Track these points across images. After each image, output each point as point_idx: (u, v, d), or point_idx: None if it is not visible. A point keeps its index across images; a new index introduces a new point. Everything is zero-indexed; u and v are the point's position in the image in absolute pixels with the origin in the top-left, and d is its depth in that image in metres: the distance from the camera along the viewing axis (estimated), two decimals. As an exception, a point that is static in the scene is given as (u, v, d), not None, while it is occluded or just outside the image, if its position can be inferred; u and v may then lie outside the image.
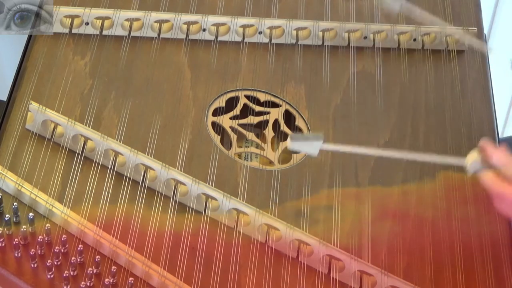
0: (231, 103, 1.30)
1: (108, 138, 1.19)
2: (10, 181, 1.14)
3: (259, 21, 1.37)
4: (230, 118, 1.29)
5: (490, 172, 1.06)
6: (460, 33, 1.37)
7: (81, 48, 1.32)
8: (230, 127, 1.28)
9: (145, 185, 1.17)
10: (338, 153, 1.25)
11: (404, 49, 1.39)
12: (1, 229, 1.09)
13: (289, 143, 1.08)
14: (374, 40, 1.39)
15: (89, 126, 1.21)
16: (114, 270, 1.08)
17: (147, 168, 1.18)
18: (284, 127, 1.30)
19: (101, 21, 1.33)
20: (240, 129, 1.29)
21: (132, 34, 1.34)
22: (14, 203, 1.11)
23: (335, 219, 1.18)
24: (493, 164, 1.06)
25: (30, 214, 1.10)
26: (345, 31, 1.38)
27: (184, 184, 1.17)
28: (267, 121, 1.30)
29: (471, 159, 1.08)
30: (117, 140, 1.21)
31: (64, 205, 1.13)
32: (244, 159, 1.28)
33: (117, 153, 1.19)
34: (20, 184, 1.14)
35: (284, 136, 1.29)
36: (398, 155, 1.19)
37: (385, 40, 1.39)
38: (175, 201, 1.17)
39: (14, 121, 1.22)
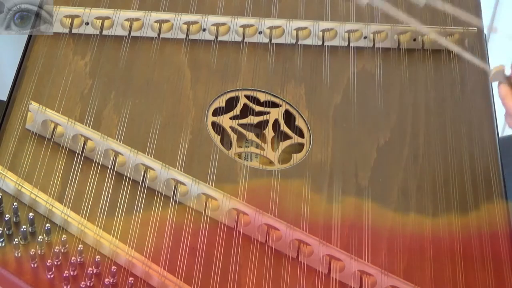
0: (231, 103, 1.30)
1: (108, 138, 1.19)
2: (10, 181, 1.14)
3: (259, 21, 1.37)
4: (230, 118, 1.29)
5: (506, 86, 1.13)
6: (436, 35, 1.37)
7: (81, 48, 1.32)
8: (230, 127, 1.28)
9: (145, 185, 1.17)
10: (338, 153, 1.25)
11: (404, 49, 1.39)
12: (1, 229, 1.09)
13: None
14: (374, 40, 1.39)
15: (89, 126, 1.21)
16: (114, 270, 1.08)
17: (147, 168, 1.18)
18: (284, 127, 1.30)
19: (101, 21, 1.33)
20: (240, 129, 1.29)
21: (132, 34, 1.34)
22: (14, 203, 1.11)
23: (335, 219, 1.18)
24: None
25: (30, 214, 1.10)
26: (345, 31, 1.38)
27: (184, 184, 1.17)
28: (267, 121, 1.30)
29: (497, 69, 1.16)
30: (117, 140, 1.21)
31: (64, 205, 1.13)
32: (244, 159, 1.28)
33: (117, 153, 1.19)
34: (20, 184, 1.14)
35: (284, 136, 1.29)
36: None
37: (385, 40, 1.39)
38: (175, 201, 1.17)
39: (14, 121, 1.22)
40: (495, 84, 1.40)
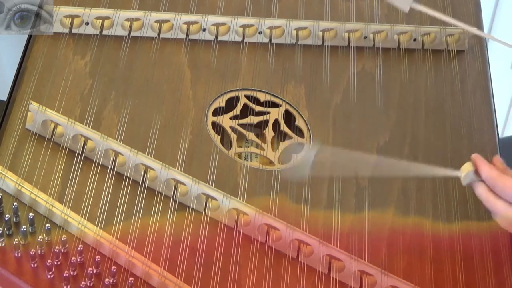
0: (231, 103, 1.30)
1: (108, 138, 1.19)
2: (10, 181, 1.14)
3: (259, 21, 1.37)
4: (230, 118, 1.29)
5: (482, 186, 1.07)
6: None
7: (81, 48, 1.32)
8: (230, 127, 1.28)
9: (145, 185, 1.17)
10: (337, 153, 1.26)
11: (404, 49, 1.39)
12: (1, 229, 1.09)
13: None
14: (374, 40, 1.39)
15: (89, 126, 1.21)
16: (114, 270, 1.08)
17: (147, 168, 1.18)
18: (284, 127, 1.30)
19: (101, 21, 1.34)
20: (240, 129, 1.29)
21: (132, 34, 1.34)
22: (14, 203, 1.11)
23: (335, 219, 1.18)
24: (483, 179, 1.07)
25: (30, 214, 1.10)
26: (345, 31, 1.38)
27: (184, 184, 1.17)
28: (267, 121, 1.30)
29: (465, 171, 1.09)
30: (117, 140, 1.21)
31: (64, 205, 1.13)
32: (244, 159, 1.28)
33: (117, 153, 1.19)
34: (20, 184, 1.14)
35: (284, 136, 1.29)
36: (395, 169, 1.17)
37: (385, 40, 1.39)
38: (175, 201, 1.17)
39: (14, 121, 1.22)
40: (495, 84, 1.40)
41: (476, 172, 1.09)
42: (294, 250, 1.15)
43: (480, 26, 1.45)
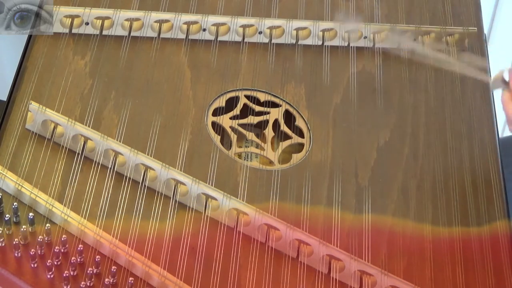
0: (231, 103, 1.30)
1: (108, 138, 1.19)
2: (10, 181, 1.14)
3: (259, 21, 1.37)
4: (230, 118, 1.29)
5: (505, 93, 1.14)
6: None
7: (81, 48, 1.32)
8: (230, 127, 1.28)
9: (145, 185, 1.17)
10: (338, 153, 1.25)
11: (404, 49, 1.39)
12: (1, 229, 1.09)
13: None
14: (374, 40, 1.39)
15: (89, 126, 1.21)
16: (114, 270, 1.08)
17: (147, 168, 1.18)
18: (284, 127, 1.30)
19: (101, 21, 1.34)
20: (240, 129, 1.29)
21: (132, 34, 1.34)
22: (14, 203, 1.11)
23: (335, 218, 1.18)
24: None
25: (30, 214, 1.10)
26: (345, 31, 1.38)
27: (184, 184, 1.17)
28: (267, 121, 1.30)
29: (494, 77, 1.16)
30: (117, 140, 1.21)
31: (64, 205, 1.13)
32: (244, 159, 1.28)
33: (117, 153, 1.19)
34: (20, 184, 1.14)
35: (284, 136, 1.29)
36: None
37: (385, 40, 1.39)
38: (175, 201, 1.17)
39: (14, 121, 1.22)
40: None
41: (504, 80, 1.15)
42: (294, 250, 1.15)
43: (480, 26, 1.45)
